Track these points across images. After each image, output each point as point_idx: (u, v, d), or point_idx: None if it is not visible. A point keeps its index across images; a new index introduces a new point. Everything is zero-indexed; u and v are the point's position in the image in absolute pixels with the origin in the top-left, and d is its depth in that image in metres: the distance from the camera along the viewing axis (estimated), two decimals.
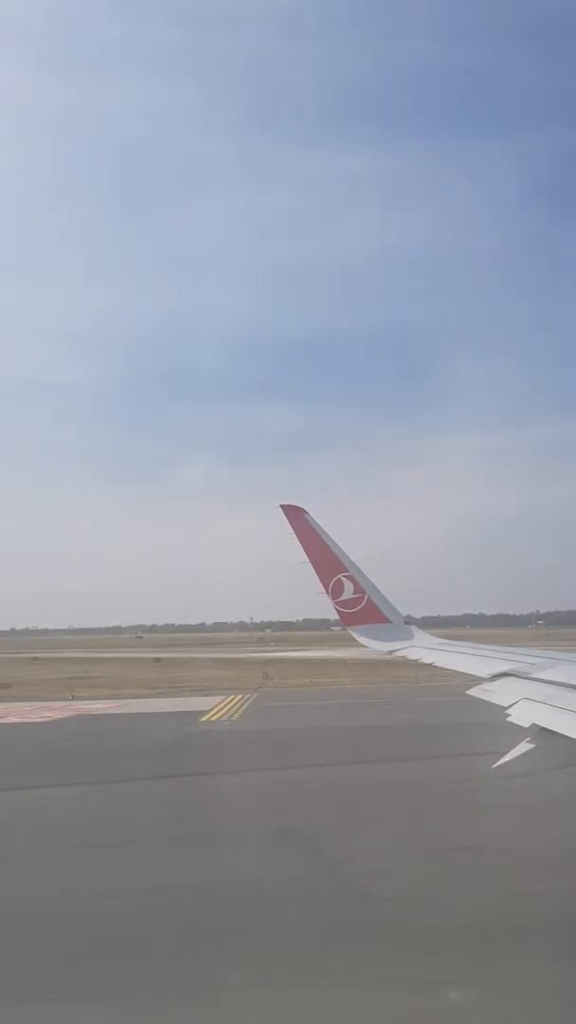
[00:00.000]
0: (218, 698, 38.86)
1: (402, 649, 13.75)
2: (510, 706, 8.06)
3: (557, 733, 6.94)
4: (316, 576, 14.68)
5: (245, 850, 13.31)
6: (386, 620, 14.56)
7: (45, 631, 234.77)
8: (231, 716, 32.31)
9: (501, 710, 8.18)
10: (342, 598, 14.63)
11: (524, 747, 7.30)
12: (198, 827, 15.11)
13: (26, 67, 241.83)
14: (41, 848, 14.10)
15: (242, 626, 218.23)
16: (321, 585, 14.66)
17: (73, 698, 41.80)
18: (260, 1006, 8.05)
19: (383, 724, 29.37)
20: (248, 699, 38.50)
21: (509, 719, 7.79)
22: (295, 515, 14.82)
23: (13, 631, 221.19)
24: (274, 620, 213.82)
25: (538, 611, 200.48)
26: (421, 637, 14.40)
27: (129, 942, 9.61)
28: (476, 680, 9.96)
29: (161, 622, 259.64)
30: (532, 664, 9.68)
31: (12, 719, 33.61)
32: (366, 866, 12.41)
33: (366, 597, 14.53)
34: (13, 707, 37.83)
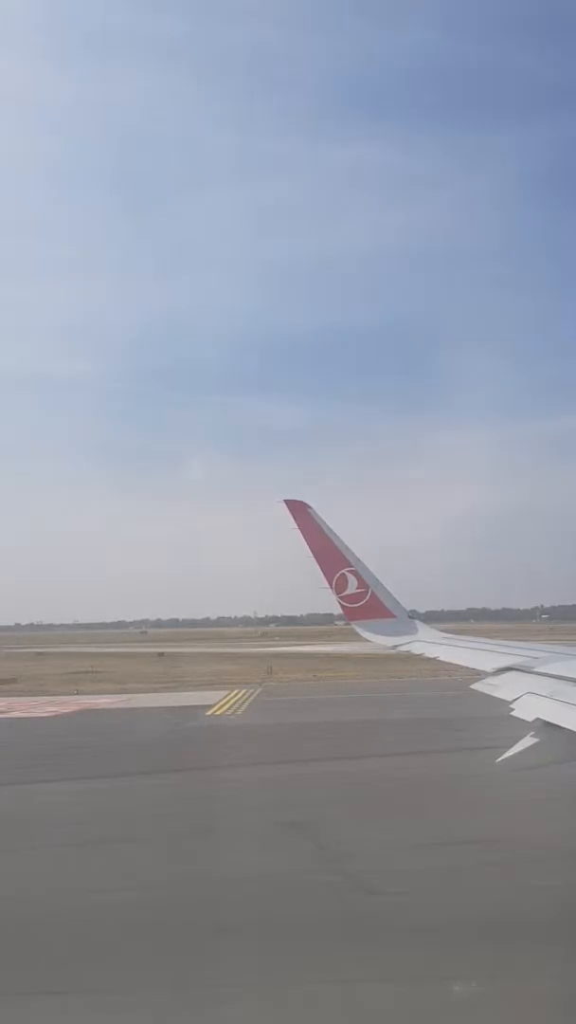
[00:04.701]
0: (222, 693, 38.94)
1: (406, 644, 13.75)
2: (514, 700, 8.07)
3: (561, 727, 6.95)
4: (320, 571, 14.68)
5: (250, 845, 13.33)
6: (390, 615, 14.56)
7: (50, 626, 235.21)
8: (235, 711, 32.38)
9: (505, 704, 8.18)
10: (346, 593, 14.63)
11: (528, 741, 7.30)
12: (203, 821, 15.14)
13: (25, 58, 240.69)
14: (48, 843, 14.16)
15: (246, 621, 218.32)
16: (325, 580, 14.66)
17: (78, 693, 41.94)
18: (265, 1001, 8.09)
19: (387, 719, 29.41)
20: (252, 694, 38.58)
21: (513, 713, 7.79)
22: (299, 510, 14.81)
23: (18, 626, 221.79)
24: (278, 615, 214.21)
25: (542, 605, 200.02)
26: (425, 632, 14.39)
27: (128, 938, 9.64)
28: (480, 674, 9.97)
29: (165, 617, 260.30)
30: (536, 658, 9.68)
31: (18, 713, 33.74)
32: (369, 860, 12.43)
33: (370, 592, 14.52)
34: (19, 701, 37.97)
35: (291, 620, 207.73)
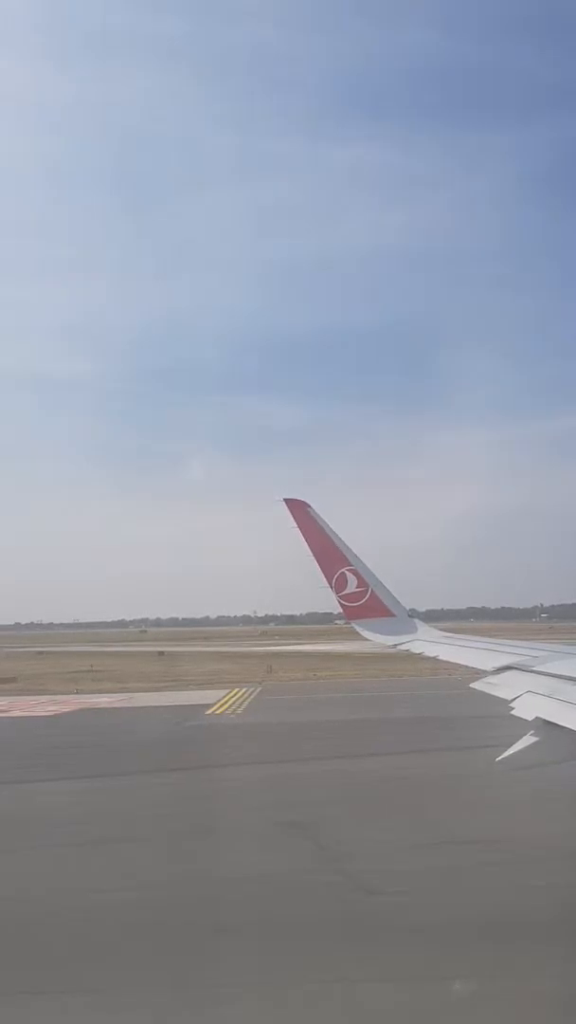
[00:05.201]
0: (222, 692, 38.94)
1: (406, 643, 13.73)
2: (514, 699, 8.05)
3: (561, 726, 6.94)
4: (319, 570, 14.66)
5: (249, 845, 13.32)
6: (390, 614, 14.53)
7: (50, 625, 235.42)
8: (235, 710, 32.37)
9: (505, 703, 8.17)
10: (346, 592, 14.61)
11: (528, 740, 7.29)
12: (203, 821, 15.13)
13: (25, 58, 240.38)
14: (48, 843, 14.14)
15: (246, 620, 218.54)
16: (324, 579, 14.64)
17: (78, 692, 41.93)
18: (265, 1001, 8.08)
19: (386, 718, 29.42)
20: (252, 693, 38.56)
21: (513, 712, 7.78)
22: (298, 509, 14.78)
23: (18, 625, 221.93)
24: (278, 614, 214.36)
25: (542, 604, 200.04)
26: (425, 631, 14.38)
27: (128, 938, 9.63)
28: (480, 673, 9.95)
29: (165, 616, 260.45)
30: (535, 657, 9.67)
31: (18, 713, 33.74)
32: (369, 860, 12.42)
33: (369, 591, 14.50)
34: (19, 701, 37.96)
35: (291, 619, 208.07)
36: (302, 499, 14.97)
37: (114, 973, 8.63)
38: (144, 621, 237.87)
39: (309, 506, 14.81)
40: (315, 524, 14.65)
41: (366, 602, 14.55)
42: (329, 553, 14.61)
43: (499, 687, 8.90)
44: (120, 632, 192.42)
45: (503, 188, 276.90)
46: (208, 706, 33.19)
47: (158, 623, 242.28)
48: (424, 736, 24.08)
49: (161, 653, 75.72)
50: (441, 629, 15.39)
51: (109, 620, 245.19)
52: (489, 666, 9.91)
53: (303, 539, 14.67)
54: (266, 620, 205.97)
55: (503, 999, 7.86)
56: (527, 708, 7.63)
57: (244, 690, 39.65)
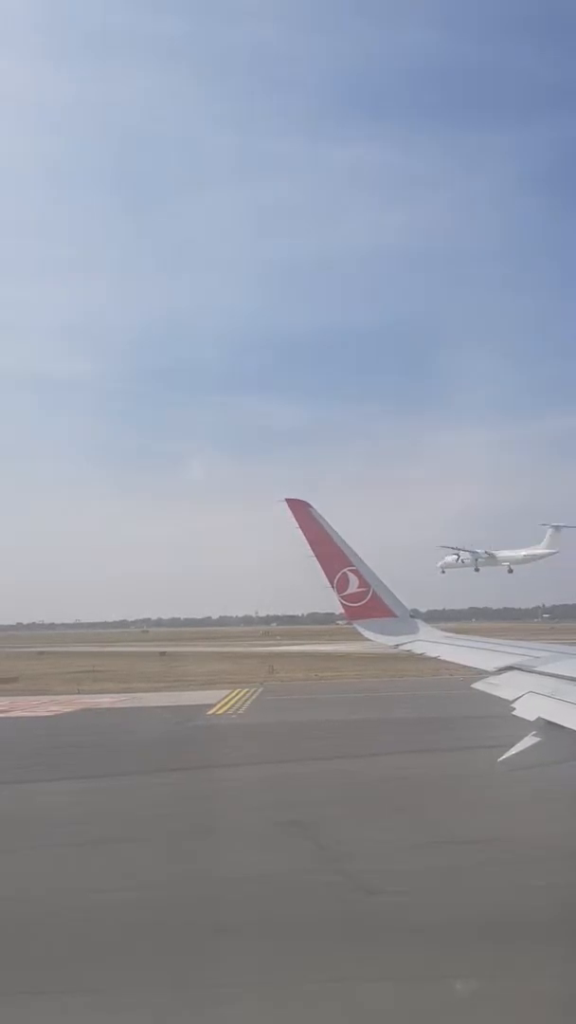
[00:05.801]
0: (224, 692, 38.93)
1: (408, 643, 13.70)
2: (515, 700, 8.04)
3: (562, 726, 6.92)
4: (321, 570, 14.63)
5: (250, 845, 13.30)
6: (392, 614, 14.50)
7: (51, 626, 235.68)
8: (237, 710, 32.37)
9: (507, 704, 8.15)
10: (347, 592, 14.58)
11: (530, 741, 7.28)
12: (204, 821, 15.11)
13: (25, 58, 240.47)
14: (48, 843, 14.14)
15: (248, 620, 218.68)
16: (326, 579, 14.62)
17: (80, 692, 41.95)
18: (265, 1001, 8.07)
19: (388, 718, 29.39)
20: (254, 693, 38.56)
21: (514, 713, 7.76)
22: (300, 509, 14.76)
23: (20, 625, 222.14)
24: (279, 614, 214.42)
25: (544, 605, 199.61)
26: (426, 631, 14.35)
27: (128, 938, 9.62)
28: (482, 674, 9.93)
29: (167, 616, 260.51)
30: (537, 658, 9.65)
31: (19, 713, 33.75)
32: (369, 860, 12.41)
33: (371, 591, 14.47)
34: (20, 701, 37.98)
35: (292, 619, 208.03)
36: (303, 499, 14.95)
37: (114, 973, 8.62)
38: (146, 621, 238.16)
39: (311, 506, 14.78)
40: (317, 524, 14.62)
41: (368, 602, 14.52)
42: (330, 553, 14.58)
43: (501, 687, 8.88)
44: (122, 632, 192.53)
45: (503, 188, 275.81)
46: (210, 706, 33.19)
47: (159, 623, 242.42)
48: (425, 736, 24.05)
49: (163, 653, 75.79)
50: (443, 629, 15.36)
51: (111, 620, 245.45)
52: (491, 666, 9.88)
53: (305, 539, 14.64)
54: (268, 620, 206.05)
55: (503, 999, 7.85)
56: (529, 708, 7.61)
57: (246, 690, 39.64)
